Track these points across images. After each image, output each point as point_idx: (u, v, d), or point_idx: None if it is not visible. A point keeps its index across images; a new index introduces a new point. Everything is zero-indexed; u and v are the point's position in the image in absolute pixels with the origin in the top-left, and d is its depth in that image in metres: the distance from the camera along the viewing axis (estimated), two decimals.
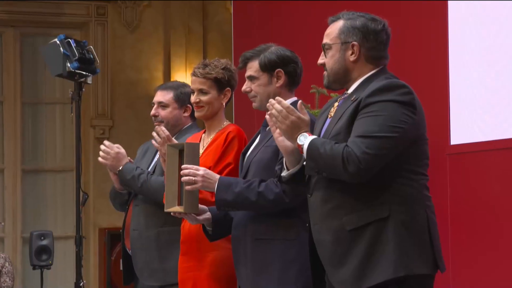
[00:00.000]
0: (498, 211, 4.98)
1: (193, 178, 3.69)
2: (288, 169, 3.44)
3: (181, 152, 3.84)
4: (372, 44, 3.33)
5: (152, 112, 4.73)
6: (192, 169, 3.72)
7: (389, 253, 3.14)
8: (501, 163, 4.98)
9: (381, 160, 3.14)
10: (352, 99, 3.28)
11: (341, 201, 3.22)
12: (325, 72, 3.39)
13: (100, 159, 4.70)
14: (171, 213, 3.87)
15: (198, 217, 3.85)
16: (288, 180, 3.47)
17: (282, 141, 3.36)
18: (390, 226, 3.16)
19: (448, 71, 5.30)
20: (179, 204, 3.83)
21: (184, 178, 3.71)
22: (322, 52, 3.41)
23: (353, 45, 3.32)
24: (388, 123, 3.14)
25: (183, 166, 3.74)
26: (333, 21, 3.41)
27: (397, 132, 3.14)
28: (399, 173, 3.20)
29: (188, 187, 3.72)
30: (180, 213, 3.82)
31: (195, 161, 3.78)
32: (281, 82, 3.86)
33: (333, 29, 3.37)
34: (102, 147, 4.69)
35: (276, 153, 3.74)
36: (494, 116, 5.01)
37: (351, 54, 3.33)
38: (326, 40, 3.39)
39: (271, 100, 3.31)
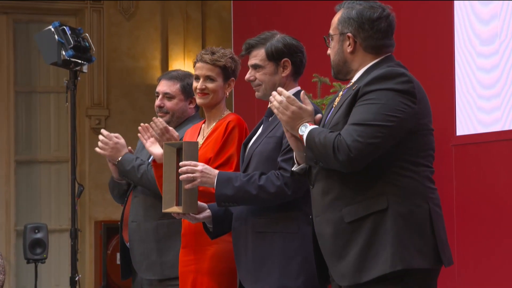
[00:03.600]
0: (504, 202, 4.96)
1: (192, 175, 3.66)
2: (298, 164, 3.40)
3: (178, 151, 3.80)
4: (368, 34, 3.29)
5: (157, 102, 4.69)
6: (190, 165, 3.69)
7: (387, 246, 3.11)
8: (507, 154, 4.96)
9: (374, 149, 3.09)
10: (353, 88, 3.26)
11: (340, 193, 3.19)
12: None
13: (97, 149, 4.69)
14: (171, 214, 3.87)
15: (197, 216, 3.82)
16: (300, 175, 3.42)
17: (291, 136, 3.33)
18: (389, 218, 3.12)
19: (454, 62, 5.29)
20: (177, 204, 3.81)
21: (182, 176, 3.68)
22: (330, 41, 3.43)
23: (348, 37, 3.31)
24: (383, 111, 3.10)
25: (181, 163, 3.71)
26: (338, 10, 3.40)
27: (392, 121, 3.09)
28: (398, 164, 3.16)
29: (187, 185, 3.69)
30: (178, 213, 3.81)
31: (194, 159, 3.74)
32: (287, 72, 3.84)
33: (335, 19, 3.37)
34: (100, 137, 4.68)
35: (279, 144, 3.72)
36: (500, 107, 4.98)
37: (348, 45, 3.32)
38: (330, 30, 3.39)
39: (273, 92, 3.30)
